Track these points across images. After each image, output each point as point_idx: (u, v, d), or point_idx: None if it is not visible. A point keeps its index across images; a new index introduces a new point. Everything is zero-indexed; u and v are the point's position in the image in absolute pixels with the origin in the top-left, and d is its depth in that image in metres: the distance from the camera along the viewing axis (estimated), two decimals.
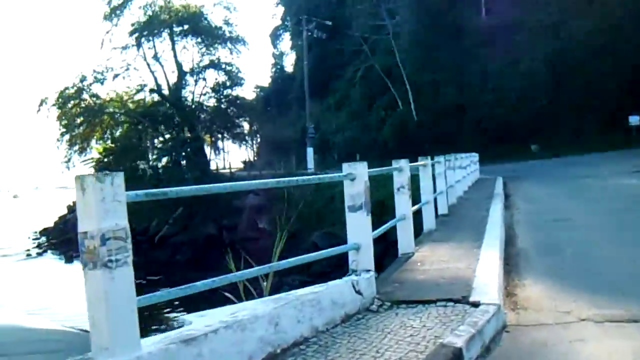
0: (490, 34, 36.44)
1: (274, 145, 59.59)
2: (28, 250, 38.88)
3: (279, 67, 66.06)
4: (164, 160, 34.54)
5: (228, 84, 36.89)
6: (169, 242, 29.72)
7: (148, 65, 35.24)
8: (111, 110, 35.58)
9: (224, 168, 42.23)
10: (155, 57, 35.57)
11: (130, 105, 36.49)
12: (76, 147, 34.82)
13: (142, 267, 25.68)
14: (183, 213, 32.21)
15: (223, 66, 36.92)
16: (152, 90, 35.64)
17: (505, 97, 35.21)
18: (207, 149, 39.32)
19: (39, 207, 70.50)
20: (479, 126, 35.68)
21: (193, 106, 36.15)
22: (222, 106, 37.21)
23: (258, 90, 68.93)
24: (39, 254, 37.46)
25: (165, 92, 35.73)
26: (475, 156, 22.97)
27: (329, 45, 49.37)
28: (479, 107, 36.07)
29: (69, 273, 26.54)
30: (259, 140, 65.86)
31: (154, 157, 34.58)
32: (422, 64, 39.23)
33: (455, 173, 13.80)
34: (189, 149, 35.07)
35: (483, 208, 11.06)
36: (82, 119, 34.20)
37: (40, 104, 34.06)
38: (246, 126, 47.23)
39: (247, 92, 70.22)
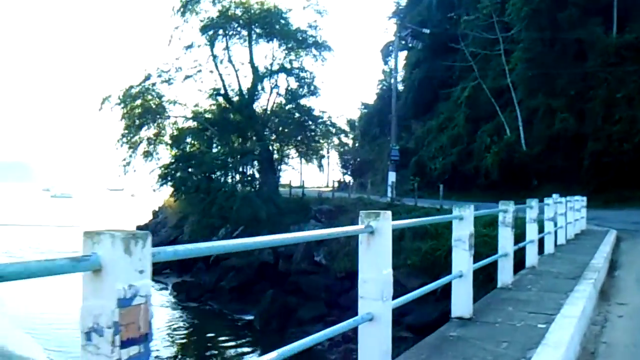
0: (621, 55, 30.92)
1: (369, 165, 56.26)
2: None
3: (385, 83, 62.47)
4: (235, 175, 31.88)
5: (302, 92, 33.43)
6: (221, 264, 26.85)
7: (216, 66, 32.50)
8: (176, 114, 33.45)
9: (301, 187, 38.68)
10: (230, 60, 32.93)
11: (199, 110, 34.03)
12: (139, 150, 32.93)
13: (183, 289, 22.83)
14: (243, 234, 29.40)
15: (300, 73, 33.57)
16: (222, 95, 32.84)
17: (636, 130, 29.37)
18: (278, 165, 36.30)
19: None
20: (599, 162, 30.07)
21: (265, 116, 33.09)
22: (298, 117, 33.92)
23: (362, 107, 65.97)
24: None
25: (234, 97, 33.13)
26: (582, 201, 17.99)
27: (438, 63, 45.44)
28: (602, 140, 30.46)
29: None
30: (357, 159, 62.59)
31: (221, 170, 31.77)
32: (536, 86, 34.19)
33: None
34: (259, 164, 32.26)
35: (554, 299, 6.44)
36: (143, 119, 32.06)
37: (103, 102, 32.34)
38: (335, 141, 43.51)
39: (351, 110, 67.19)
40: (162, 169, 31.81)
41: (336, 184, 48.56)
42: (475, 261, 6.03)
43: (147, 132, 33.21)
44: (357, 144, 64.76)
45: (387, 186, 30.68)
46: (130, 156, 32.36)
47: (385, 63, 65.02)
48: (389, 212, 3.86)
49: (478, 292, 6.26)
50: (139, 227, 43.04)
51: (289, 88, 33.32)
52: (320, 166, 38.36)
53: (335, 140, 41.81)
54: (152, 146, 33.37)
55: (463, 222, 5.77)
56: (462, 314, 5.70)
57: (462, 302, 5.73)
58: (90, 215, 68.95)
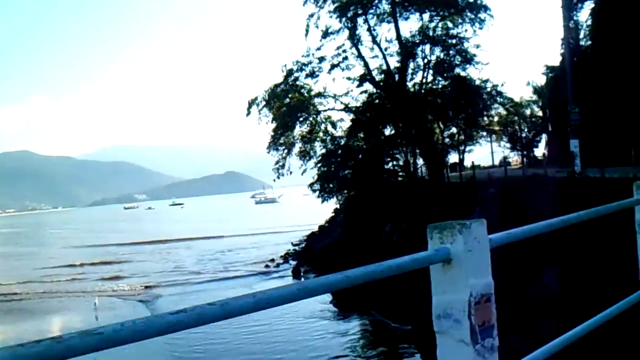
0: None
1: (563, 136, 50.10)
2: (272, 260, 37.72)
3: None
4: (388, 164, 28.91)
5: (457, 62, 29.24)
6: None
7: (358, 50, 29.56)
8: (328, 107, 31.20)
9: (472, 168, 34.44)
10: (375, 40, 29.88)
11: (347, 101, 31.48)
12: (295, 150, 31.36)
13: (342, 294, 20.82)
14: (407, 230, 26.72)
15: (451, 42, 29.36)
16: (368, 80, 29.89)
17: None
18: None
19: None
20: None
21: (421, 95, 29.47)
22: (455, 91, 29.75)
23: (547, 71, 59.11)
24: (277, 266, 35.77)
25: (384, 81, 30.02)
26: None
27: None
28: None
29: None
30: (549, 131, 56.15)
31: (370, 161, 29.11)
32: None
33: None
34: (422, 150, 29.02)
35: None
36: (293, 118, 30.21)
37: (250, 106, 31.22)
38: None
39: (533, 74, 60.66)
40: (316, 167, 30.17)
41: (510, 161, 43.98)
42: None
43: (301, 129, 31.73)
44: (547, 113, 58.47)
45: (574, 156, 25.77)
46: (284, 157, 31.14)
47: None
48: (481, 222, 2.08)
49: None
50: (320, 227, 42.29)
51: (440, 59, 29.35)
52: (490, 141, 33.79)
53: (502, 112, 36.81)
54: (307, 145, 31.89)
55: None
56: None
57: None
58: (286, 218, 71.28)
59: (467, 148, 40.54)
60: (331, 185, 28.70)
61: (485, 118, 33.62)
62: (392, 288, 23.09)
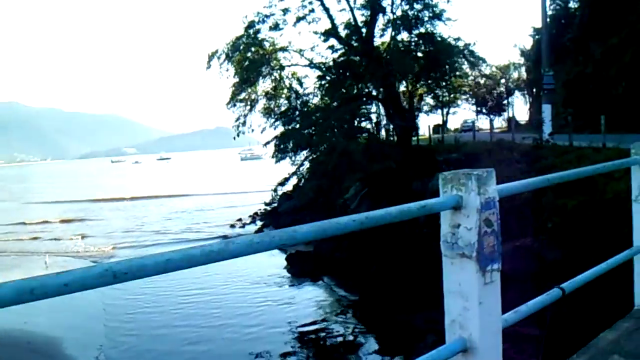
0: None
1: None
2: (240, 220, 36.82)
3: (560, 3, 53.53)
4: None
5: (426, 17, 27.33)
6: None
7: (322, 2, 27.61)
8: (294, 62, 29.48)
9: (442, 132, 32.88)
10: None
11: (312, 56, 29.66)
12: (258, 107, 29.75)
13: (297, 261, 19.75)
14: (368, 194, 25.69)
15: None
16: (333, 36, 27.99)
17: None
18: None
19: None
20: None
21: (387, 54, 27.62)
22: (423, 49, 27.96)
23: (534, 33, 57.46)
24: (243, 227, 34.86)
25: (351, 37, 28.23)
26: None
27: None
28: None
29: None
30: (533, 94, 54.89)
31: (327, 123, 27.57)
32: None
33: None
34: (388, 111, 27.55)
35: None
36: (255, 73, 28.43)
37: (210, 59, 29.40)
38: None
39: (522, 37, 59.07)
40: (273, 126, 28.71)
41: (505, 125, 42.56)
42: None
43: (264, 85, 30.08)
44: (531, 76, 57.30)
45: (544, 122, 24.39)
46: (246, 115, 29.54)
47: None
48: (490, 172, 2.34)
49: None
50: (294, 186, 41.35)
51: (406, 13, 27.38)
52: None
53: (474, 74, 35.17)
54: (272, 101, 30.33)
55: None
56: None
57: None
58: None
59: (452, 110, 39.26)
60: (288, 145, 27.26)
61: (459, 79, 31.94)
62: (347, 257, 22.28)
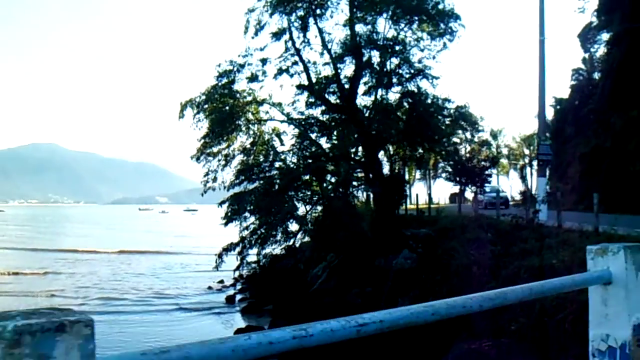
0: None
1: (562, 173, 46.14)
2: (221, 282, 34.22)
3: (583, 73, 51.11)
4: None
5: (410, 74, 24.78)
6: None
7: (298, 53, 25.43)
8: (266, 117, 27.21)
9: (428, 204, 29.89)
10: (324, 44, 25.16)
11: (289, 111, 27.37)
12: (234, 163, 27.45)
13: None
14: (337, 267, 23.09)
15: (400, 47, 24.88)
16: (306, 89, 25.67)
17: None
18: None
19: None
20: None
21: (371, 112, 25.21)
22: (409, 108, 25.46)
23: (555, 103, 54.79)
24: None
25: (330, 91, 26.00)
26: None
27: None
28: None
29: None
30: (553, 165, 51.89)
31: (329, 187, 25.19)
32: None
33: None
34: (367, 176, 25.09)
35: None
36: (231, 126, 26.27)
37: (183, 108, 27.38)
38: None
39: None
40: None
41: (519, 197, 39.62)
42: None
43: (241, 140, 27.90)
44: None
45: (538, 197, 21.40)
46: (216, 170, 27.25)
47: (586, 50, 53.25)
48: None
49: None
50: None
51: (389, 69, 24.95)
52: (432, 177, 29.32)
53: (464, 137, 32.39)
54: (249, 158, 28.07)
55: None
56: None
57: None
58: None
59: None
60: (238, 207, 24.85)
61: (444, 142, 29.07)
62: None
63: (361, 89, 26.28)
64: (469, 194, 49.67)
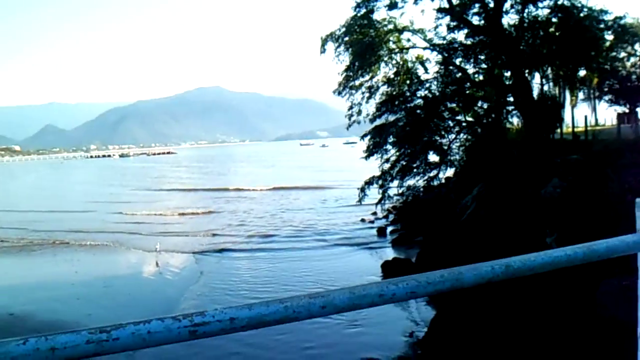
0: None
1: None
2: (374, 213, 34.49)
3: None
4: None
5: None
6: None
7: None
8: (408, 44, 26.20)
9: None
10: None
11: (431, 37, 26.10)
12: (378, 94, 26.98)
13: None
14: (487, 196, 22.42)
15: None
16: (447, 12, 24.13)
17: None
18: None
19: None
20: None
21: (519, 33, 23.28)
22: (561, 25, 23.01)
23: None
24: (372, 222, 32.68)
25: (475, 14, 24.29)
26: None
27: None
28: None
29: None
30: None
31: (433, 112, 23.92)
32: None
33: None
34: (517, 101, 23.57)
35: None
36: (372, 57, 25.71)
37: (324, 43, 27.07)
38: None
39: None
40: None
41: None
42: None
43: (384, 70, 27.43)
44: None
45: None
46: (360, 103, 27.14)
47: None
48: None
49: None
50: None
51: None
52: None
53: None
54: (394, 88, 27.56)
55: None
56: None
57: None
58: None
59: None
60: (380, 139, 24.46)
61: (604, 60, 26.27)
62: None
63: (507, 6, 24.54)
64: None
